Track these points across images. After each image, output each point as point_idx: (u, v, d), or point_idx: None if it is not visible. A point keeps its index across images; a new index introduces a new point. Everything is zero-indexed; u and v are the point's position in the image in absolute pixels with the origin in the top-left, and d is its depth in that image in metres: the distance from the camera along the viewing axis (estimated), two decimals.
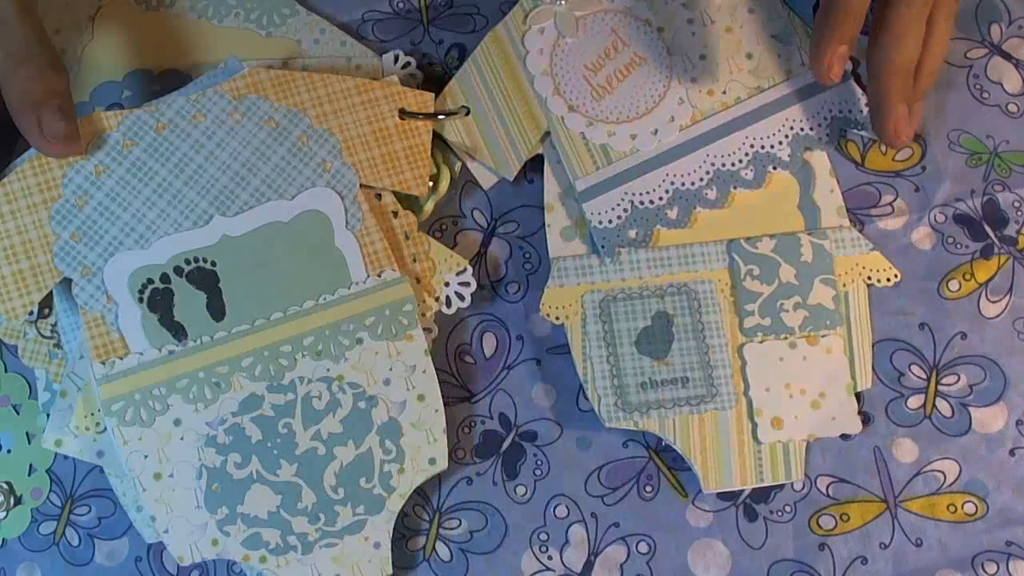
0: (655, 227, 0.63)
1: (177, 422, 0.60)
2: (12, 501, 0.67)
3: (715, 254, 0.63)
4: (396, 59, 0.67)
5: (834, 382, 0.61)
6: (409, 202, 0.65)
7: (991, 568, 0.63)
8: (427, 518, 0.66)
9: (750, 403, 0.62)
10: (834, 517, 0.64)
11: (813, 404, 0.62)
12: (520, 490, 0.66)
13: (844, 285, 0.62)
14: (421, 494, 0.64)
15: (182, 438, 0.60)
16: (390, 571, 0.62)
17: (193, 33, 0.68)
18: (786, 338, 0.62)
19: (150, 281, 0.60)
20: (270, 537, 0.60)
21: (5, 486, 0.67)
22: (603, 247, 0.63)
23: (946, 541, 0.64)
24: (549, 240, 0.65)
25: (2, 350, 0.67)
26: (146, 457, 0.59)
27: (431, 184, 0.65)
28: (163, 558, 0.66)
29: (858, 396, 0.64)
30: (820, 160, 0.63)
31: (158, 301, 0.60)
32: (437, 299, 0.64)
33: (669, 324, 0.63)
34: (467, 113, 0.65)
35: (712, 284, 0.63)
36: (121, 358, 0.59)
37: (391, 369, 0.62)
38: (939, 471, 0.64)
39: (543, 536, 0.66)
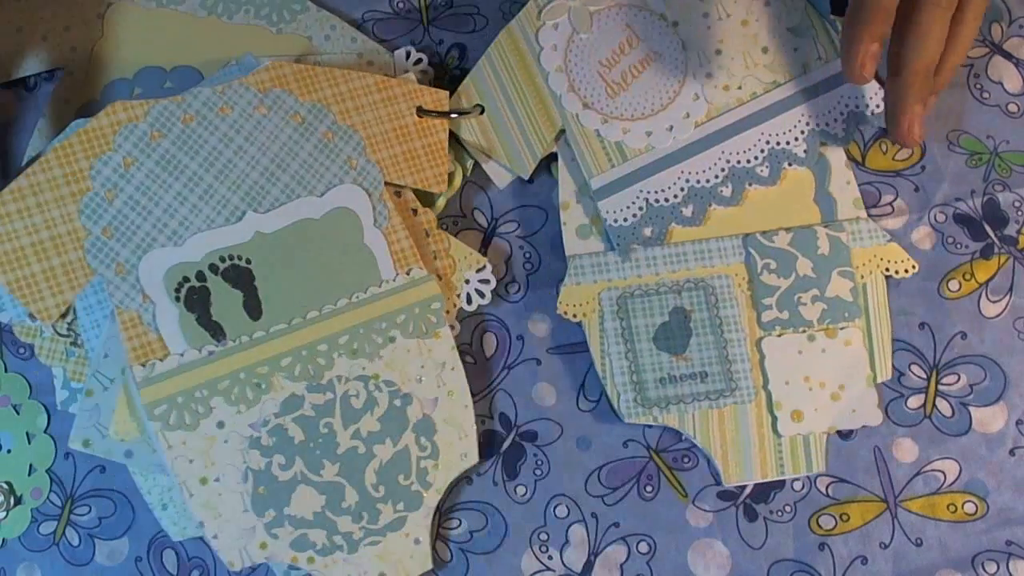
0: (670, 225, 0.64)
1: (220, 424, 0.60)
2: (12, 501, 0.67)
3: (731, 249, 0.63)
4: (408, 55, 0.68)
5: (854, 374, 0.62)
6: (421, 199, 0.66)
7: (991, 568, 0.63)
8: None
9: (769, 396, 0.62)
10: (834, 517, 0.65)
11: (833, 396, 0.62)
12: (520, 490, 0.67)
13: (862, 277, 0.63)
14: None
15: (226, 441, 0.60)
16: (430, 566, 0.63)
17: (203, 30, 0.68)
18: (804, 331, 0.62)
19: (186, 279, 0.59)
20: (317, 538, 0.61)
21: (5, 486, 0.67)
22: (618, 245, 0.64)
23: (946, 541, 0.63)
24: (565, 238, 0.65)
25: (2, 350, 0.68)
26: (191, 461, 0.59)
27: None
28: (163, 558, 0.66)
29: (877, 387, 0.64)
30: (835, 152, 0.64)
31: (195, 300, 0.60)
32: (459, 296, 0.65)
33: (687, 319, 0.64)
34: (481, 112, 0.65)
35: (729, 279, 0.63)
36: (161, 359, 0.59)
37: (423, 367, 0.62)
38: (939, 471, 0.64)
39: (543, 536, 0.66)
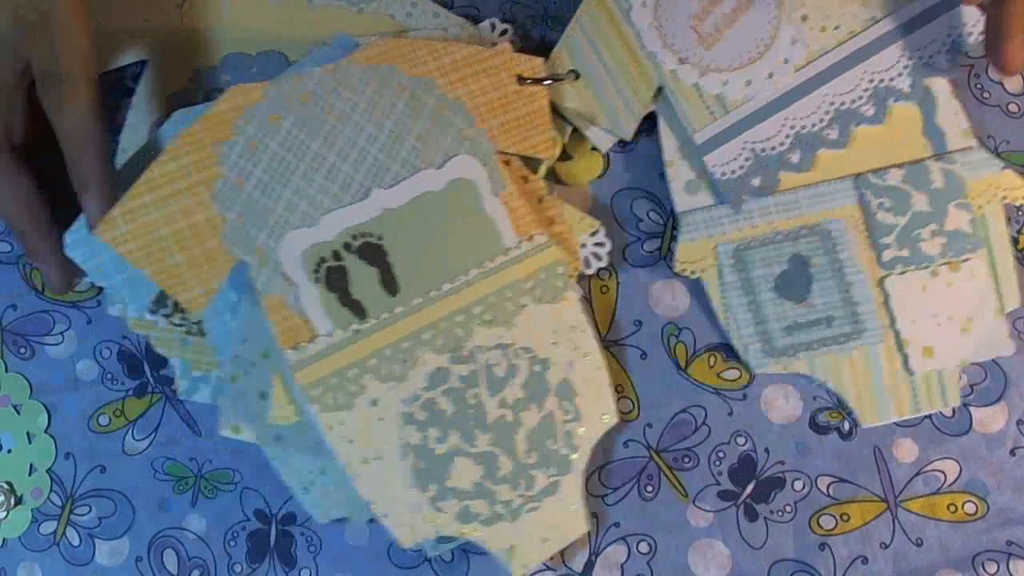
0: (778, 173, 0.65)
1: (374, 402, 0.62)
2: (13, 501, 0.68)
3: (843, 191, 0.64)
4: (493, 27, 0.71)
5: (981, 306, 0.63)
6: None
7: (991, 568, 0.64)
8: None
9: (897, 335, 0.64)
10: (834, 517, 0.65)
11: (963, 329, 0.63)
12: None
13: (979, 207, 0.64)
14: None
15: (381, 418, 0.62)
16: (587, 528, 0.65)
17: (284, 14, 0.71)
18: (926, 267, 0.64)
19: (323, 260, 0.62)
20: (480, 508, 0.63)
21: (6, 486, 0.68)
22: (728, 198, 0.65)
23: (946, 541, 0.64)
24: (673, 195, 0.68)
25: (3, 350, 0.70)
26: (351, 442, 0.62)
27: None
28: (163, 558, 0.68)
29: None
30: (940, 84, 0.65)
31: (334, 279, 0.62)
32: (577, 260, 0.68)
33: (806, 266, 0.65)
34: (576, 77, 0.68)
35: (843, 222, 0.64)
36: (310, 341, 0.61)
37: (555, 331, 0.65)
38: (939, 471, 0.65)
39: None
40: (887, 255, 0.64)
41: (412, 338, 0.61)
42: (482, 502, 0.62)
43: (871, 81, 0.64)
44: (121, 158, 0.68)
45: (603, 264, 0.67)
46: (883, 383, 0.63)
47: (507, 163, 0.66)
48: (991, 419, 0.64)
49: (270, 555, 0.68)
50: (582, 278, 0.68)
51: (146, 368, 0.69)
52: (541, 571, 0.65)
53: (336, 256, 0.61)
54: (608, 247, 0.67)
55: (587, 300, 0.67)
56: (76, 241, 0.62)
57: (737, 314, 0.65)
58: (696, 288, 0.66)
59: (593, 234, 0.67)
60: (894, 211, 0.64)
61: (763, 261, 0.65)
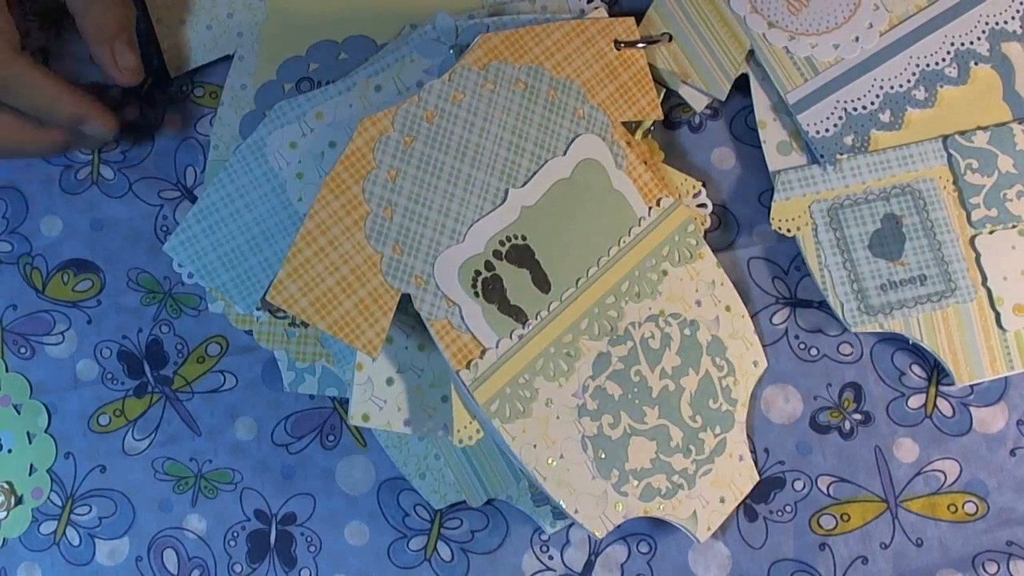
0: (870, 131, 0.72)
1: (548, 403, 0.67)
2: (13, 501, 0.72)
3: (932, 152, 0.70)
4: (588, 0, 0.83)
5: None
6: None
7: (992, 568, 0.67)
8: (428, 517, 0.73)
9: (990, 293, 0.69)
10: (835, 517, 0.69)
11: None
12: None
13: None
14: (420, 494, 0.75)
15: (558, 417, 0.67)
16: (758, 478, 0.70)
17: None
18: (1014, 226, 0.70)
19: (478, 272, 0.67)
20: (659, 483, 0.68)
21: (6, 486, 0.73)
22: (823, 156, 0.72)
23: (946, 541, 0.67)
24: (767, 155, 0.72)
25: (3, 349, 0.73)
26: (535, 446, 0.66)
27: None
28: (163, 558, 0.73)
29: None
30: (1016, 50, 0.71)
31: (491, 290, 0.66)
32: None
33: (899, 225, 0.70)
34: (670, 39, 0.74)
35: (934, 182, 0.70)
36: (480, 357, 0.66)
37: (697, 290, 0.71)
38: (939, 471, 0.68)
39: (544, 536, 0.71)
40: (976, 215, 0.71)
41: (571, 330, 0.67)
42: (661, 476, 0.68)
43: (952, 44, 0.72)
44: (213, 154, 0.73)
45: (706, 225, 0.75)
46: (977, 341, 0.69)
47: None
48: (991, 419, 0.69)
49: (270, 555, 0.73)
50: None
51: (146, 368, 0.75)
52: (541, 571, 0.70)
53: (488, 266, 0.67)
54: (709, 208, 0.75)
55: None
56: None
57: (832, 272, 0.71)
58: None
59: (696, 195, 0.75)
60: (982, 172, 0.71)
61: (857, 220, 0.71)
